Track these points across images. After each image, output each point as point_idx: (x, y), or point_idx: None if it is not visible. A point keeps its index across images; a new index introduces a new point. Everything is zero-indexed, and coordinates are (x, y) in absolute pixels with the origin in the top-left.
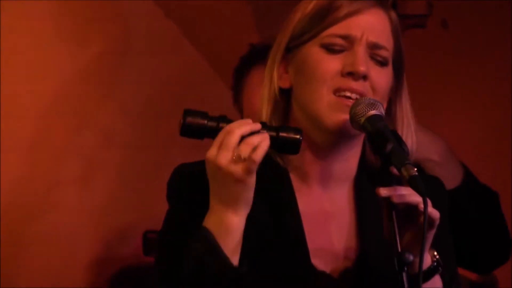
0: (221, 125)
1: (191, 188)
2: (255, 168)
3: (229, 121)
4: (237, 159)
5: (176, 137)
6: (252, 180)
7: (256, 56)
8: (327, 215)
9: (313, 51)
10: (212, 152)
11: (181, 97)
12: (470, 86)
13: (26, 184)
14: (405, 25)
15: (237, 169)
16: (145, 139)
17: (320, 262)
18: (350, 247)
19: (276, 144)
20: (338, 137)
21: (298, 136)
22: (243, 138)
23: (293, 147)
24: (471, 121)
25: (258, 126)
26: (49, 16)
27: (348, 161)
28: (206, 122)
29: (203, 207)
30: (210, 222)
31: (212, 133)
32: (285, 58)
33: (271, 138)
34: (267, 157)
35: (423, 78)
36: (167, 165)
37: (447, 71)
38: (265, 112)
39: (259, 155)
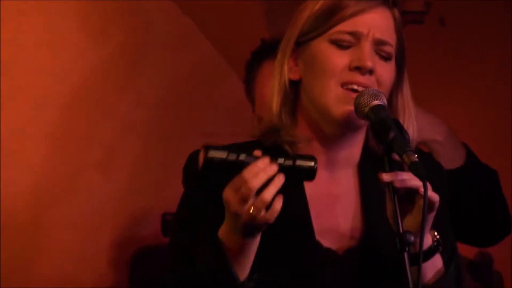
0: (241, 158)
1: (204, 175)
2: (272, 218)
3: (247, 154)
4: (255, 212)
5: (191, 126)
6: (266, 226)
7: (266, 51)
8: (333, 198)
9: (323, 47)
10: (229, 196)
11: (197, 89)
12: (468, 83)
13: (51, 170)
14: (403, 21)
15: (255, 221)
16: (163, 128)
17: (326, 241)
18: (355, 227)
19: (293, 173)
20: (344, 127)
21: (313, 164)
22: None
23: (308, 175)
24: (470, 118)
25: (274, 169)
26: (73, 13)
27: (353, 148)
28: (226, 156)
29: (215, 192)
30: (225, 236)
31: (232, 167)
32: (294, 52)
33: (288, 167)
34: (275, 146)
35: (420, 75)
36: (183, 152)
37: (445, 68)
38: (275, 103)
39: (273, 216)
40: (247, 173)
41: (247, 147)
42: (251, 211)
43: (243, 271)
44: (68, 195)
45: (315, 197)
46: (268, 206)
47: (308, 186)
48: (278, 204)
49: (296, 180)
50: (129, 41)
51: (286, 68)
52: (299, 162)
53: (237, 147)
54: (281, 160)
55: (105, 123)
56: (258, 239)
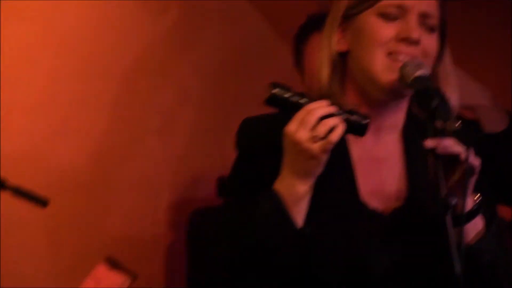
0: (302, 101)
1: (256, 139)
2: (330, 148)
3: (309, 99)
4: (315, 139)
5: (243, 95)
6: (324, 158)
7: (313, 25)
8: (379, 161)
9: (371, 20)
10: (291, 128)
11: (249, 60)
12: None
13: (113, 136)
14: None
15: (314, 147)
16: (217, 97)
17: (372, 202)
18: (399, 189)
19: (347, 124)
20: (390, 95)
21: (366, 121)
22: (321, 119)
23: (360, 130)
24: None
25: (334, 109)
26: None
27: (398, 114)
28: (289, 96)
29: (266, 156)
30: (280, 187)
31: (293, 107)
32: (341, 25)
33: (342, 118)
34: None
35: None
36: (236, 119)
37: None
38: (324, 73)
39: (335, 137)
40: (311, 105)
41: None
42: (311, 137)
43: (299, 220)
44: (128, 160)
45: (361, 160)
46: (330, 131)
47: (354, 150)
48: (338, 132)
49: (348, 131)
50: (186, 13)
51: (334, 40)
52: (354, 116)
53: (301, 93)
54: (338, 110)
55: (163, 92)
56: (310, 189)
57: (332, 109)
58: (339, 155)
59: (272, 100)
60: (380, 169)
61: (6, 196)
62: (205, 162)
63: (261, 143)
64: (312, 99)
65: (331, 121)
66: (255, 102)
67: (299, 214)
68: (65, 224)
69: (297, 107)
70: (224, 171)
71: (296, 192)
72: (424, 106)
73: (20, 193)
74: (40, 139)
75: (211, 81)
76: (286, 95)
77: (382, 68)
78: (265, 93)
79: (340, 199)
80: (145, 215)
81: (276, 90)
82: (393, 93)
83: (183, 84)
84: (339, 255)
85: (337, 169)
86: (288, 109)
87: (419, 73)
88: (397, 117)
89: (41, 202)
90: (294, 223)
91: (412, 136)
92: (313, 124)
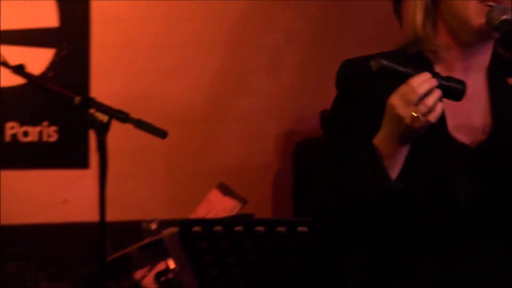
0: (407, 71)
1: (354, 80)
2: (428, 125)
3: (413, 70)
4: (415, 115)
5: (346, 36)
6: (423, 130)
7: None
8: (466, 97)
9: None
10: (395, 102)
11: (352, 3)
12: None
13: (225, 73)
14: None
15: (414, 124)
16: (321, 38)
17: (459, 136)
18: (485, 124)
19: (445, 91)
20: (479, 37)
21: (463, 87)
22: (423, 96)
23: (457, 95)
24: None
25: (435, 82)
26: None
27: (484, 54)
28: (396, 66)
29: (362, 98)
30: (379, 143)
31: (400, 76)
32: None
33: (442, 85)
34: (417, 54)
35: None
36: (339, 58)
37: None
38: (418, 17)
39: (434, 118)
40: (414, 81)
41: (398, 58)
42: (415, 114)
43: (394, 175)
44: (239, 96)
45: None
46: (430, 111)
47: None
48: (439, 109)
49: (446, 97)
50: None
51: None
52: (452, 83)
53: (407, 62)
54: (438, 78)
55: (271, 33)
56: (408, 147)
57: (433, 82)
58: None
59: (382, 71)
60: (466, 105)
61: (129, 128)
62: (309, 97)
63: (358, 84)
64: (414, 69)
65: (431, 101)
66: (356, 43)
67: (395, 169)
68: (182, 154)
69: (403, 76)
70: (327, 106)
71: (392, 151)
72: (509, 48)
73: (141, 125)
74: (159, 78)
75: (315, 22)
76: (394, 66)
77: (473, 13)
78: (374, 63)
79: (430, 133)
80: (254, 145)
81: (384, 62)
82: (481, 35)
83: (290, 26)
84: (429, 186)
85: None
86: (395, 78)
87: (505, 17)
88: (484, 57)
89: (160, 133)
90: (389, 178)
91: (497, 75)
92: (415, 102)
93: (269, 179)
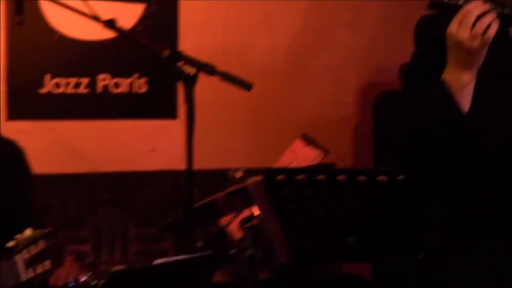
0: (459, 2)
1: (429, 36)
2: (487, 43)
3: (465, 2)
4: (474, 37)
5: None
6: (484, 51)
7: None
8: None
9: None
10: (453, 29)
11: None
12: None
13: (308, 29)
14: None
15: (474, 44)
16: None
17: None
18: None
19: (501, 18)
20: None
21: None
22: (478, 18)
23: (509, 20)
24: None
25: (488, 6)
26: None
27: None
28: (449, 1)
29: (437, 52)
30: (447, 77)
31: (452, 9)
32: None
33: (498, 13)
34: None
35: None
36: (417, 14)
37: None
38: None
39: (492, 33)
40: (469, 5)
41: None
42: (471, 36)
43: (465, 106)
44: (321, 50)
45: None
46: (487, 30)
47: None
48: (495, 27)
49: (501, 25)
50: None
51: None
52: (506, 10)
53: None
54: (492, 6)
55: None
56: (475, 73)
57: (486, 7)
58: (499, 42)
59: (434, 5)
60: None
61: (215, 80)
62: (389, 51)
63: (434, 40)
64: (466, 1)
65: (487, 19)
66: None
67: (465, 99)
68: (266, 105)
69: (456, 8)
70: (406, 59)
71: (461, 81)
72: None
73: (227, 77)
74: (244, 33)
75: None
76: (443, 0)
77: None
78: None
79: (504, 81)
80: (336, 98)
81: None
82: None
83: None
84: (497, 117)
85: (501, 59)
86: (448, 11)
87: None
88: None
89: (246, 85)
90: (460, 109)
91: None
92: (471, 24)
93: (350, 130)
